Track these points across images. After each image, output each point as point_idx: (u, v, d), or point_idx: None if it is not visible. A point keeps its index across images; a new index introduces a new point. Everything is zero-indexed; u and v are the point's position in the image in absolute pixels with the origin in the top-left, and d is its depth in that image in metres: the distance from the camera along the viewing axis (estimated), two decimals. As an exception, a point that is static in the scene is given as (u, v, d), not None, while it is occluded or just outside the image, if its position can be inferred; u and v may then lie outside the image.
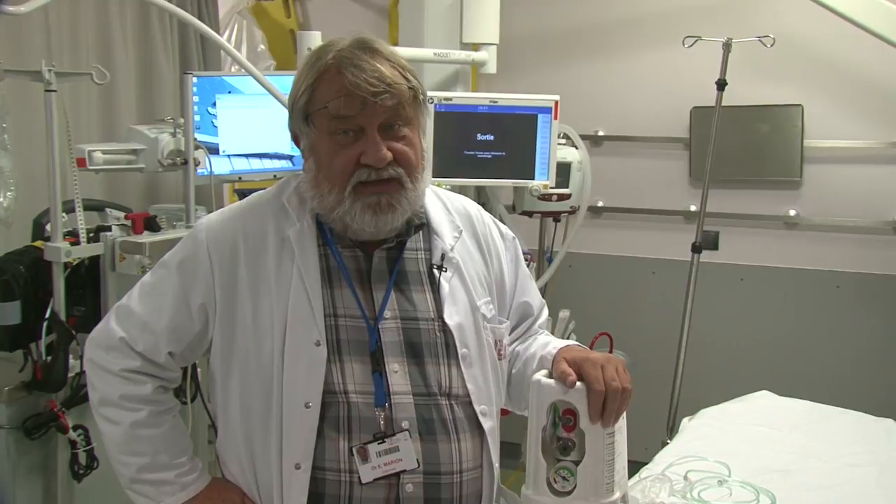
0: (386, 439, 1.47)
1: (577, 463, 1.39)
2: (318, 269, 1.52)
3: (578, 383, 1.39)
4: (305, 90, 1.47)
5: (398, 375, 1.50)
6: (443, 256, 1.59)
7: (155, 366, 1.57)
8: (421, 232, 1.59)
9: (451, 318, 1.55)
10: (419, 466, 1.47)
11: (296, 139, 1.55)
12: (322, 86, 1.45)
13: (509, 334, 1.68)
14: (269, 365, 1.49)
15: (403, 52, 1.76)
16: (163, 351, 1.55)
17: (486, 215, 1.73)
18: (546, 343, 1.66)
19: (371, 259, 1.55)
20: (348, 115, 1.43)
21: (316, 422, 1.46)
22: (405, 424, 1.48)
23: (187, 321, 1.54)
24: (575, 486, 1.39)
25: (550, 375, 1.44)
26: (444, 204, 1.65)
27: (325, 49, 1.48)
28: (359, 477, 1.45)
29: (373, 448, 1.46)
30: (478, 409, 1.54)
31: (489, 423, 1.55)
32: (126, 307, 1.59)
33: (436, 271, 1.58)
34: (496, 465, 1.57)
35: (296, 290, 1.50)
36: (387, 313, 1.53)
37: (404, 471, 1.46)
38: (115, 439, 1.57)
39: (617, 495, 1.42)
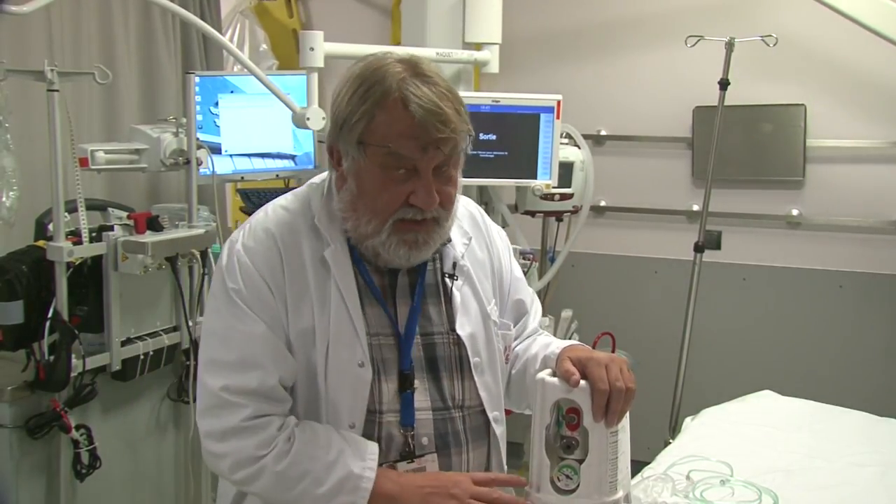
0: (414, 459, 1.48)
1: (580, 461, 1.40)
2: (356, 289, 1.50)
3: (582, 382, 1.39)
4: (363, 116, 1.41)
5: (418, 392, 1.51)
6: (454, 265, 1.59)
7: (266, 399, 1.46)
8: None
9: (463, 328, 1.55)
10: None
11: (332, 153, 1.50)
12: (382, 117, 1.40)
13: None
14: (314, 384, 1.48)
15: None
16: (274, 378, 1.46)
17: (485, 214, 1.74)
18: (548, 343, 1.67)
19: (395, 275, 1.54)
20: (408, 157, 1.40)
21: None
22: (425, 440, 1.49)
23: (279, 339, 1.47)
24: (578, 485, 1.40)
25: (554, 374, 1.44)
26: None
27: (382, 72, 1.42)
28: None
29: (401, 467, 1.47)
30: (491, 415, 1.56)
31: (500, 429, 1.57)
32: (213, 364, 1.48)
33: (448, 280, 1.57)
34: (504, 467, 1.58)
35: (336, 310, 1.47)
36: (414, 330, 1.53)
37: None
38: (270, 488, 1.44)
39: (620, 494, 1.42)
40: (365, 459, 1.42)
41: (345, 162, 1.47)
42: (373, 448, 1.44)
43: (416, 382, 1.51)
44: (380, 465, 1.44)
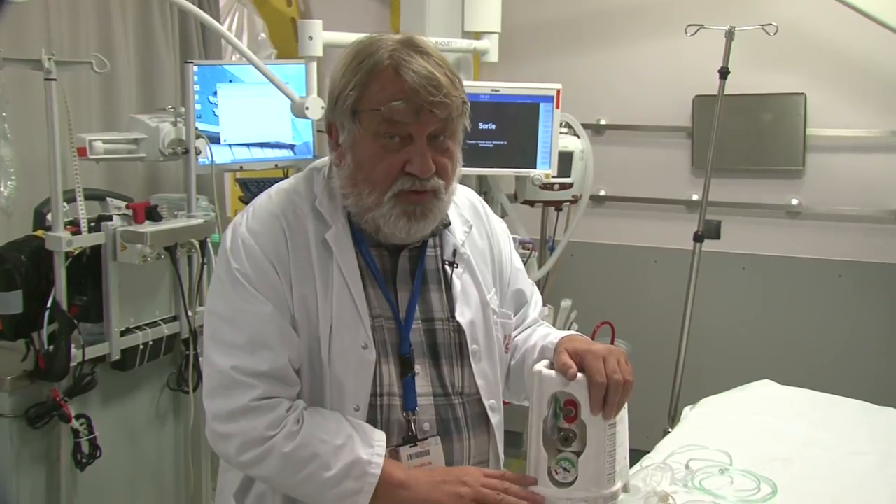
0: (417, 443, 1.48)
1: (578, 454, 1.39)
2: (359, 271, 1.50)
3: (580, 375, 1.39)
4: (356, 86, 1.42)
5: (420, 377, 1.51)
6: (454, 253, 1.59)
7: (276, 381, 1.46)
8: None
9: (463, 315, 1.56)
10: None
11: (330, 131, 1.51)
12: (375, 85, 1.41)
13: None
14: (318, 366, 1.48)
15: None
16: (283, 358, 1.46)
17: (485, 204, 1.74)
18: (546, 334, 1.67)
19: (396, 259, 1.54)
20: (400, 122, 1.40)
21: None
22: (426, 426, 1.49)
23: (286, 320, 1.47)
24: (576, 478, 1.39)
25: (552, 366, 1.43)
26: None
27: (375, 45, 1.44)
28: None
29: (404, 451, 1.47)
30: (487, 403, 1.56)
31: (497, 418, 1.57)
32: (222, 345, 1.48)
33: (448, 268, 1.58)
34: (501, 456, 1.59)
35: (339, 292, 1.48)
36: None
37: None
38: (278, 470, 1.44)
39: (618, 486, 1.42)
40: (373, 446, 1.43)
41: (342, 136, 1.48)
42: (380, 436, 1.44)
43: (418, 368, 1.51)
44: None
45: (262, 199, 1.56)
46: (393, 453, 1.47)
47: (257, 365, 1.43)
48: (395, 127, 1.41)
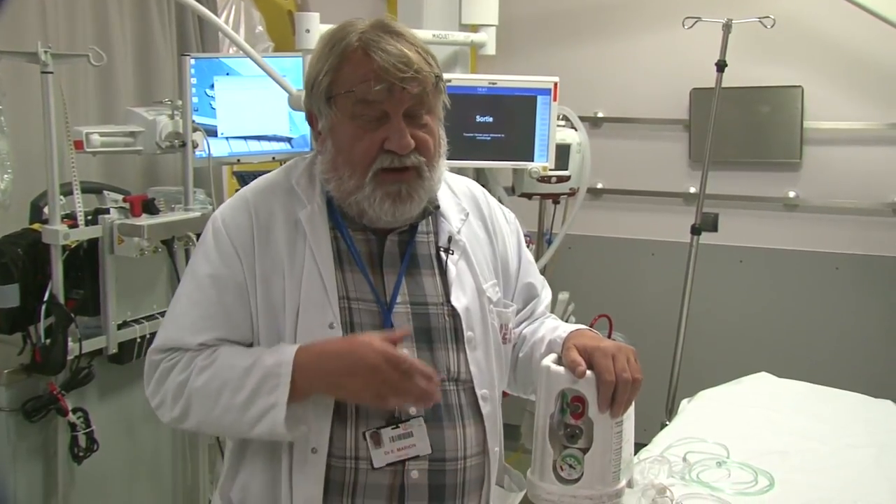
0: (400, 425, 1.46)
1: (584, 451, 1.38)
2: (331, 252, 1.50)
3: (588, 372, 1.38)
4: (328, 71, 1.44)
5: None
6: (450, 239, 1.58)
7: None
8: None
9: (459, 300, 1.54)
10: (432, 452, 1.47)
11: (311, 120, 1.53)
12: (347, 67, 1.43)
13: (515, 316, 1.67)
14: None
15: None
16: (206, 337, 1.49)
17: (490, 197, 1.73)
18: (555, 327, 1.66)
19: (383, 243, 1.53)
20: (374, 101, 1.41)
21: (331, 406, 1.45)
22: (413, 411, 1.47)
23: (239, 307, 1.49)
24: (581, 475, 1.38)
25: (559, 361, 1.43)
26: (448, 186, 1.64)
27: (346, 30, 1.45)
28: (370, 463, 1.44)
29: (386, 433, 1.45)
30: (479, 393, 1.53)
31: (488, 408, 1.54)
32: (172, 317, 1.56)
33: (443, 254, 1.57)
34: (496, 449, 1.56)
35: (308, 272, 1.47)
36: (398, 298, 1.52)
37: (417, 456, 1.45)
38: (199, 411, 1.46)
39: (622, 483, 1.41)
40: (280, 353, 1.41)
41: (320, 123, 1.49)
42: (288, 349, 1.42)
43: (406, 352, 1.48)
44: (363, 432, 1.44)
45: (244, 188, 1.59)
46: (375, 435, 1.45)
47: (165, 340, 1.52)
48: (370, 107, 1.42)
